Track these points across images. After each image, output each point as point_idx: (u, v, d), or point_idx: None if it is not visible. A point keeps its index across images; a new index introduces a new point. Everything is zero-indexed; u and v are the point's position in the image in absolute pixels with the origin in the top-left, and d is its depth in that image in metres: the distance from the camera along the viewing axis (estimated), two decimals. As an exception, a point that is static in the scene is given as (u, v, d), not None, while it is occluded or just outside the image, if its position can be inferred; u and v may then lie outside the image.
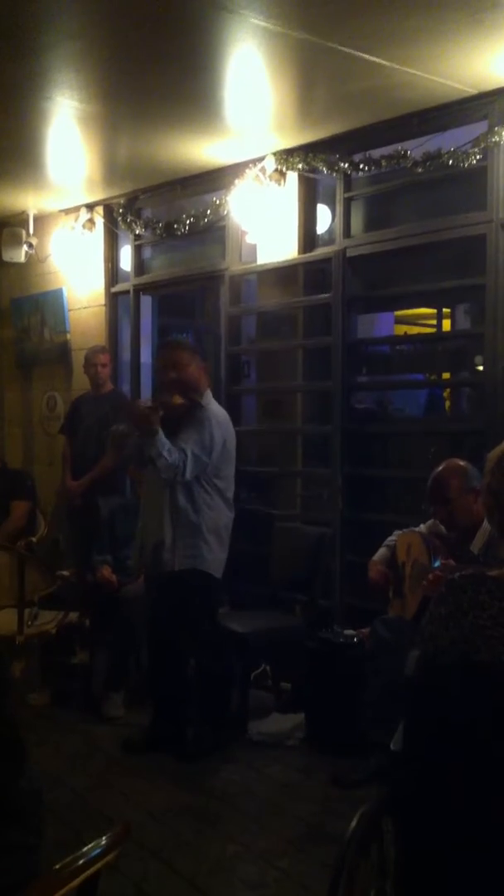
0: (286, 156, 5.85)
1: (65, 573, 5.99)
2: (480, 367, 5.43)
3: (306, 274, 6.11)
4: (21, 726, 2.14)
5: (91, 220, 7.33)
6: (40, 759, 2.13)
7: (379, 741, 4.21)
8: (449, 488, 4.34)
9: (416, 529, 4.62)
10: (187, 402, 4.79)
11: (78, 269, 7.51)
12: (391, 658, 4.18)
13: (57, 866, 1.91)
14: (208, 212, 6.36)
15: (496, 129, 4.86)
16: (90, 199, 7.24)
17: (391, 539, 4.76)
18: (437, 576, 4.10)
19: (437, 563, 4.29)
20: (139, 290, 7.25)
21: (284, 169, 5.89)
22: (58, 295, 7.72)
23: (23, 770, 2.01)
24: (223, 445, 4.84)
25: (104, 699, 5.44)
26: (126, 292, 7.33)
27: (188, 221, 6.50)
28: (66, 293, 7.66)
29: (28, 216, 7.59)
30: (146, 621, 5.08)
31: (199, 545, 4.78)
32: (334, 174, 5.69)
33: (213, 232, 6.59)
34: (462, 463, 4.40)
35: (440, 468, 4.41)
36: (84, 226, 7.33)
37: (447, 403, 7.38)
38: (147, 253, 7.32)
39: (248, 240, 6.31)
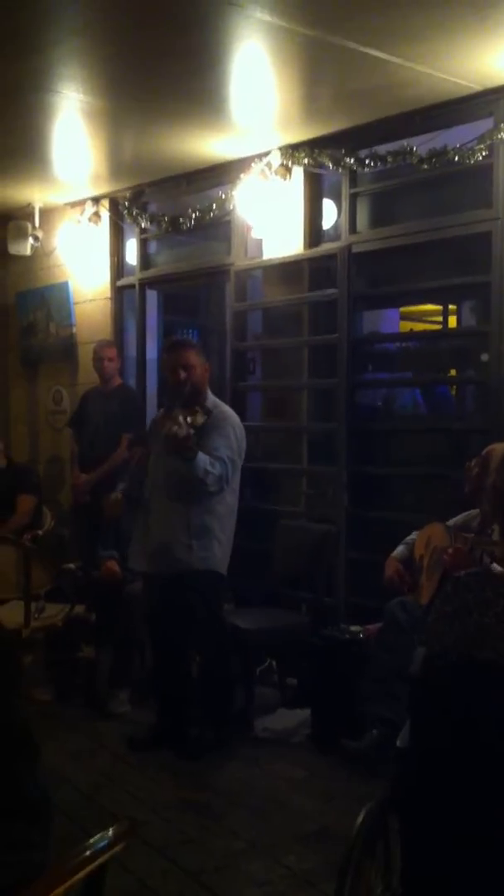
0: (292, 151, 5.83)
1: (70, 566, 6.00)
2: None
3: (311, 270, 6.10)
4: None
5: (97, 214, 7.33)
6: (45, 756, 2.12)
7: (380, 715, 4.25)
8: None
9: (441, 523, 4.60)
10: (205, 413, 4.71)
11: (83, 262, 7.51)
12: (400, 637, 4.26)
13: (64, 858, 1.91)
14: (214, 206, 6.34)
15: (502, 125, 4.84)
16: (96, 193, 7.23)
17: (410, 537, 4.74)
18: (457, 549, 4.06)
19: None
20: (145, 284, 7.24)
21: (290, 164, 5.88)
22: (63, 288, 7.71)
23: (35, 770, 2.02)
24: (241, 444, 4.86)
25: (109, 696, 5.44)
26: (132, 286, 7.32)
27: (193, 216, 6.48)
28: (71, 286, 7.66)
29: (34, 209, 7.57)
30: (148, 619, 5.08)
31: (213, 546, 4.78)
32: (340, 170, 5.67)
33: (219, 227, 6.58)
34: None
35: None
36: (90, 219, 7.34)
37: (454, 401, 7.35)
38: (152, 247, 7.31)
39: (254, 235, 6.30)
